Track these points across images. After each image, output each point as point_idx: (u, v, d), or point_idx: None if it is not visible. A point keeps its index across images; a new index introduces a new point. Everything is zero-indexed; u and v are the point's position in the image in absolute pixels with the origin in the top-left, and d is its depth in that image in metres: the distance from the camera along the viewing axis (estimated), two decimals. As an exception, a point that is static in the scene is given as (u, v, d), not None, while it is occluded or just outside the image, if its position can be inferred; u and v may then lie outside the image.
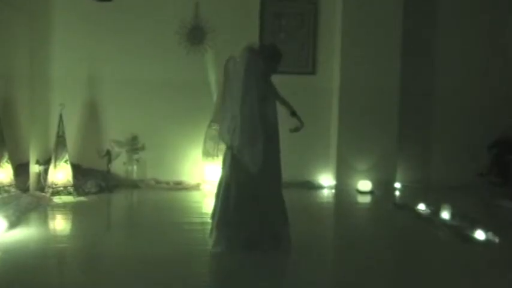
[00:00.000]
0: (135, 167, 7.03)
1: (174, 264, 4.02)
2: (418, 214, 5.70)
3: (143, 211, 6.09)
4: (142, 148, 7.00)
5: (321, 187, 7.25)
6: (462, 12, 7.37)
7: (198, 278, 3.81)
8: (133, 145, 7.00)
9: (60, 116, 6.22)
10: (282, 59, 4.54)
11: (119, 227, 5.43)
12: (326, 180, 7.30)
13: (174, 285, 3.66)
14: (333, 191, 7.14)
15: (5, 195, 5.83)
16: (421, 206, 5.80)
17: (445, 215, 5.36)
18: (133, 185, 6.93)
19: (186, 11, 7.01)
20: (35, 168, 6.27)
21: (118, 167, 6.96)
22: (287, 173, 6.98)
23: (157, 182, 7.04)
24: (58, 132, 6.22)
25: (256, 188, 4.23)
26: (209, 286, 3.76)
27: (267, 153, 4.22)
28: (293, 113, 4.58)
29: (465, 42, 7.38)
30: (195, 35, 6.98)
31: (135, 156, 7.02)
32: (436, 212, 5.53)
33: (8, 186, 5.99)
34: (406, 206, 6.05)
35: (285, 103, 4.61)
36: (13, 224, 4.76)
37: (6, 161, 6.01)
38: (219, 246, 4.22)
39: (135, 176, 7.02)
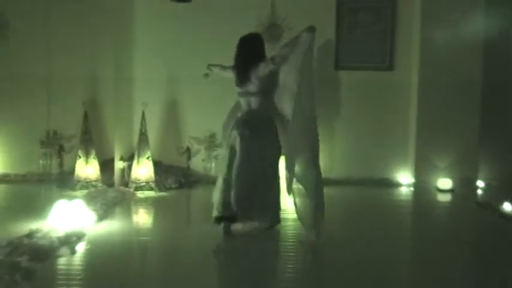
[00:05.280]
0: (213, 164, 7.21)
1: (250, 260, 4.10)
2: (502, 214, 5.46)
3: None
4: (220, 145, 7.16)
5: (399, 185, 7.11)
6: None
7: (281, 273, 3.87)
8: (212, 142, 7.19)
9: (143, 114, 6.48)
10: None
11: (198, 222, 5.60)
12: (404, 177, 7.14)
13: (253, 280, 3.74)
14: (412, 189, 6.97)
15: (93, 189, 6.18)
16: (506, 206, 5.55)
17: (532, 215, 5.12)
18: (211, 181, 7.08)
19: (263, 9, 7.08)
20: (119, 164, 6.55)
21: (197, 163, 7.17)
22: (364, 170, 7.14)
23: (235, 178, 7.16)
24: (141, 130, 6.49)
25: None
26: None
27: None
28: None
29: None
30: (272, 34, 7.00)
31: (213, 153, 7.20)
32: (522, 212, 5.29)
33: (95, 181, 6.37)
34: (489, 205, 5.81)
35: None
36: (101, 217, 5.03)
37: (93, 157, 6.38)
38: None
39: (213, 172, 7.19)
